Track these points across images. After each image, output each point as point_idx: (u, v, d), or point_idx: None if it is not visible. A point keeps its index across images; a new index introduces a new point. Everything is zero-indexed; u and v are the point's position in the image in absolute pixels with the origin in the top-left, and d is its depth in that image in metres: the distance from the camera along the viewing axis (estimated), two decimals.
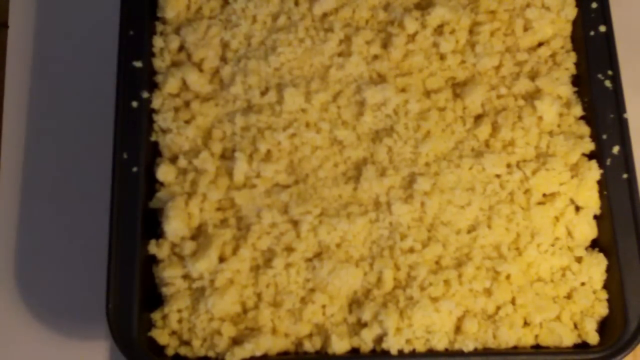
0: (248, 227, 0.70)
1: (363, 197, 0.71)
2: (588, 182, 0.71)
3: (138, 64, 0.73)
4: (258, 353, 0.67)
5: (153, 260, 0.70)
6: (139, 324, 0.67)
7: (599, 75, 0.73)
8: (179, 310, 0.69)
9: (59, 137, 0.82)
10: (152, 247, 0.70)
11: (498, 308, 0.69)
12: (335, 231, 0.69)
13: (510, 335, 0.68)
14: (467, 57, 0.75)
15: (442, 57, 0.75)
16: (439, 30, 0.75)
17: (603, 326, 0.70)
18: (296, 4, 0.76)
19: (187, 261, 0.69)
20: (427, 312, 0.67)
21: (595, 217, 0.72)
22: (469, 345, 0.67)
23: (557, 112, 0.73)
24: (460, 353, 0.68)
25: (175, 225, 0.69)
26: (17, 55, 0.84)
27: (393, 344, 0.67)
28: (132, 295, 0.67)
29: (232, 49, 0.75)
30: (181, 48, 0.75)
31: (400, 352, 0.67)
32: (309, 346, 0.68)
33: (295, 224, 0.70)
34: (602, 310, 0.69)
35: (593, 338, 0.69)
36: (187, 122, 0.73)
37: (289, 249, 0.69)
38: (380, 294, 0.69)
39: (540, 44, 0.76)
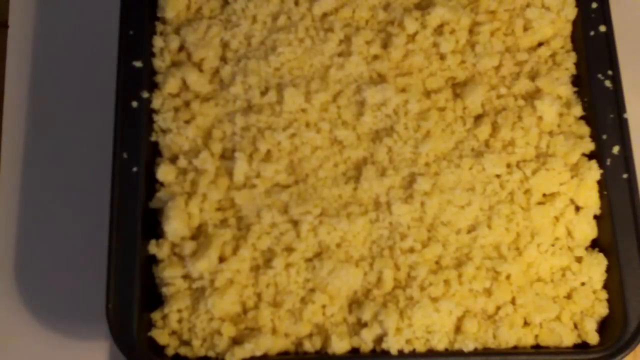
0: (248, 227, 0.70)
1: (363, 197, 0.71)
2: (588, 182, 0.71)
3: (138, 64, 0.73)
4: (258, 353, 0.67)
5: (153, 260, 0.70)
6: (139, 324, 0.67)
7: (599, 75, 0.73)
8: (179, 310, 0.69)
9: (59, 137, 0.82)
10: (152, 247, 0.70)
11: (498, 308, 0.69)
12: (335, 231, 0.69)
13: (510, 335, 0.68)
14: (467, 57, 0.75)
15: (442, 57, 0.75)
16: (439, 30, 0.75)
17: (603, 326, 0.70)
18: (296, 4, 0.76)
19: (187, 261, 0.69)
20: (427, 312, 0.67)
21: (595, 217, 0.72)
22: (469, 345, 0.67)
23: (557, 112, 0.73)
24: (460, 353, 0.68)
25: (175, 225, 0.69)
26: (17, 55, 0.84)
27: (393, 344, 0.67)
28: (132, 295, 0.67)
29: (232, 49, 0.75)
30: (181, 48, 0.75)
31: (400, 352, 0.67)
32: (309, 346, 0.68)
33: (295, 224, 0.70)
34: (602, 310, 0.69)
35: (593, 338, 0.69)
36: (187, 122, 0.73)
37: (289, 249, 0.69)
38: (380, 294, 0.69)
39: (540, 44, 0.76)
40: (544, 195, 0.72)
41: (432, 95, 0.74)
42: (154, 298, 0.70)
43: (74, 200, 0.80)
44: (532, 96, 0.74)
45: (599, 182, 0.71)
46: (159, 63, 0.74)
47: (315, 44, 0.74)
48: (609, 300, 0.70)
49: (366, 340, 0.68)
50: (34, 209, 0.80)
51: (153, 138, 0.73)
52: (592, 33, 0.75)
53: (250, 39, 0.75)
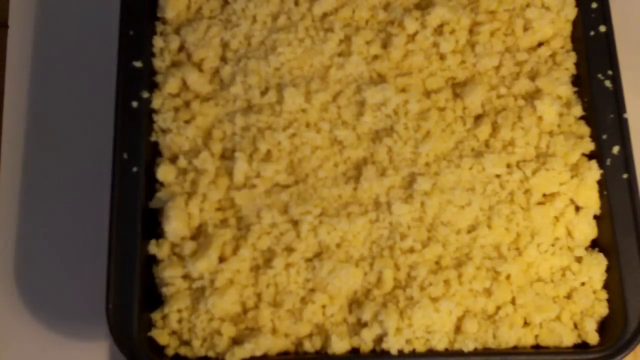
0: (248, 227, 0.70)
1: (363, 197, 0.71)
2: (588, 182, 0.71)
3: (138, 64, 0.73)
4: (258, 353, 0.67)
5: (153, 260, 0.70)
6: (139, 324, 0.67)
7: (599, 75, 0.73)
8: (179, 310, 0.69)
9: (59, 137, 0.82)
10: (152, 247, 0.70)
11: (498, 308, 0.69)
12: (335, 231, 0.69)
13: (510, 335, 0.68)
14: (467, 57, 0.75)
15: (442, 57, 0.75)
16: (439, 30, 0.75)
17: (603, 326, 0.70)
18: (296, 4, 0.76)
19: (187, 261, 0.69)
20: (427, 312, 0.67)
21: (595, 217, 0.72)
22: (469, 345, 0.67)
23: (557, 112, 0.73)
24: (460, 353, 0.68)
25: (175, 225, 0.69)
26: (17, 55, 0.84)
27: (393, 344, 0.67)
28: (132, 295, 0.67)
29: (232, 49, 0.75)
30: (181, 48, 0.75)
31: (400, 352, 0.67)
32: (309, 346, 0.68)
33: (295, 224, 0.70)
34: (602, 310, 0.69)
35: (593, 338, 0.69)
36: (187, 122, 0.73)
37: (289, 249, 0.69)
38: (380, 294, 0.69)
39: (540, 44, 0.76)
40: (544, 195, 0.72)
41: (432, 95, 0.74)
42: (154, 298, 0.70)
43: (74, 200, 0.80)
44: (532, 96, 0.74)
45: (599, 182, 0.71)
46: (159, 63, 0.74)
47: (315, 44, 0.74)
48: (609, 300, 0.70)
49: (366, 340, 0.68)
50: (34, 209, 0.80)
51: (153, 138, 0.73)
52: (592, 33, 0.75)
53: (250, 39, 0.75)
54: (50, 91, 0.83)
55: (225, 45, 0.75)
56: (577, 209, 0.71)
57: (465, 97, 0.73)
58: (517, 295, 0.69)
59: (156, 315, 0.69)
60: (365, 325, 0.68)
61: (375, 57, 0.75)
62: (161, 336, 0.68)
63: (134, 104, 0.72)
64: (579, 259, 0.71)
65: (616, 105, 0.72)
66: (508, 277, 0.70)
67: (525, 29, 0.76)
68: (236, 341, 0.68)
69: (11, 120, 0.82)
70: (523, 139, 0.72)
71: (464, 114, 0.74)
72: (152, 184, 0.72)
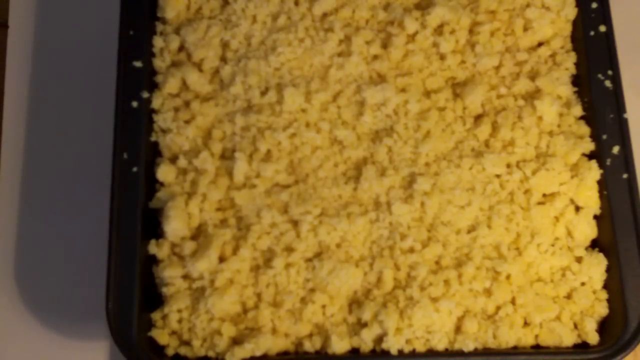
0: (248, 227, 0.70)
1: (363, 197, 0.71)
2: (588, 182, 0.71)
3: (138, 64, 0.73)
4: (258, 353, 0.67)
5: (153, 260, 0.70)
6: (139, 324, 0.67)
7: (599, 75, 0.73)
8: (179, 310, 0.69)
9: (59, 137, 0.82)
10: (152, 247, 0.70)
11: (498, 308, 0.69)
12: (335, 231, 0.69)
13: (510, 335, 0.68)
14: (467, 57, 0.75)
15: (442, 57, 0.75)
16: (439, 30, 0.75)
17: (603, 326, 0.70)
18: (296, 4, 0.76)
19: (187, 261, 0.69)
20: (427, 312, 0.67)
21: (595, 217, 0.72)
22: (469, 345, 0.67)
23: (557, 112, 0.73)
24: (460, 353, 0.68)
25: (175, 225, 0.69)
26: (17, 55, 0.84)
27: (393, 344, 0.67)
28: (132, 295, 0.67)
29: (232, 49, 0.75)
30: (181, 48, 0.75)
31: (400, 352, 0.67)
32: (309, 346, 0.68)
33: (295, 224, 0.70)
34: (602, 310, 0.69)
35: (593, 338, 0.69)
36: (187, 122, 0.73)
37: (289, 249, 0.69)
38: (380, 294, 0.69)
39: (540, 44, 0.76)
40: (544, 195, 0.72)
41: (432, 95, 0.74)
42: (154, 298, 0.70)
43: (74, 201, 0.80)
44: (532, 96, 0.74)
45: (599, 182, 0.71)
46: (159, 63, 0.74)
47: (315, 44, 0.74)
48: (609, 300, 0.70)
49: (366, 340, 0.68)
50: (34, 209, 0.80)
51: (153, 138, 0.73)
52: (592, 33, 0.75)
53: (250, 39, 0.75)
54: (50, 91, 0.83)
55: (225, 45, 0.75)
56: (577, 209, 0.71)
57: (465, 97, 0.73)
58: (517, 295, 0.69)
59: (156, 315, 0.69)
60: (365, 325, 0.68)
61: (375, 57, 0.75)
62: (161, 336, 0.68)
63: (134, 104, 0.72)
64: (579, 259, 0.71)
65: (616, 105, 0.72)
66: (508, 277, 0.70)
67: (525, 29, 0.76)
68: (236, 341, 0.68)
69: (11, 120, 0.82)
70: (523, 139, 0.72)
71: (464, 114, 0.74)
72: (152, 184, 0.72)
